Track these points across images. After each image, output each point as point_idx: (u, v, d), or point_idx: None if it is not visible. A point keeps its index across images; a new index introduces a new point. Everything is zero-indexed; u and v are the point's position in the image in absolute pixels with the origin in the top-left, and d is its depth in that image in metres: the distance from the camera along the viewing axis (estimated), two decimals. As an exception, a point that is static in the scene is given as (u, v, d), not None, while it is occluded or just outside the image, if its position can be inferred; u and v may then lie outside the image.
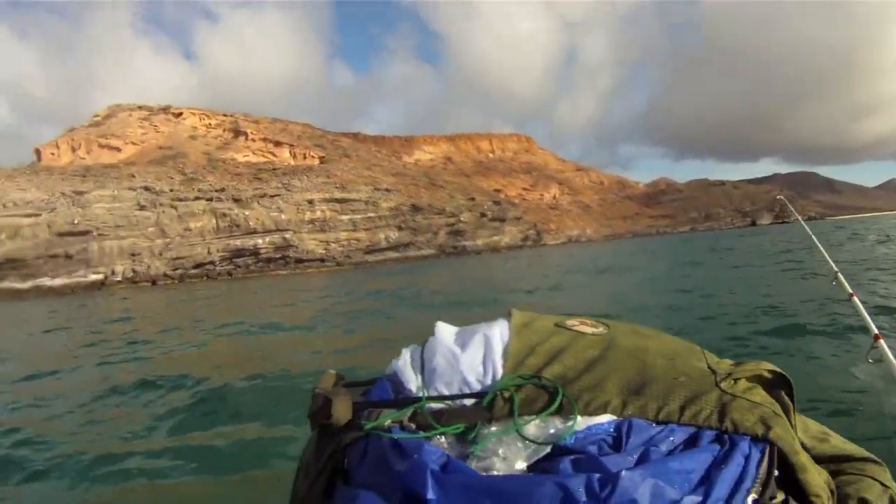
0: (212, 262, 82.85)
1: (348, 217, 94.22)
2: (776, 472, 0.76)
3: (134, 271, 78.35)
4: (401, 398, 0.93)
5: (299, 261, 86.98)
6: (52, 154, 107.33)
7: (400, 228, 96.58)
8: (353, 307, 24.00)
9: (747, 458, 0.75)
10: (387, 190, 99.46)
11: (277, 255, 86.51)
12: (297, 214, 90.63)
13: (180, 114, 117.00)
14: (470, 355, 0.95)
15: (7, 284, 70.92)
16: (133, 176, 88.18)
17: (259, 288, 51.33)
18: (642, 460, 0.76)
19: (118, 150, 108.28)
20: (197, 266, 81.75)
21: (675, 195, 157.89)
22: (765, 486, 0.74)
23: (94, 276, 75.92)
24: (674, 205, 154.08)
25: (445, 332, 1.01)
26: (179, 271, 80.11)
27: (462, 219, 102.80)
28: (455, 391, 0.92)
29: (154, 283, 75.77)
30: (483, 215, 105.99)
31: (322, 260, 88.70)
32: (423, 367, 0.97)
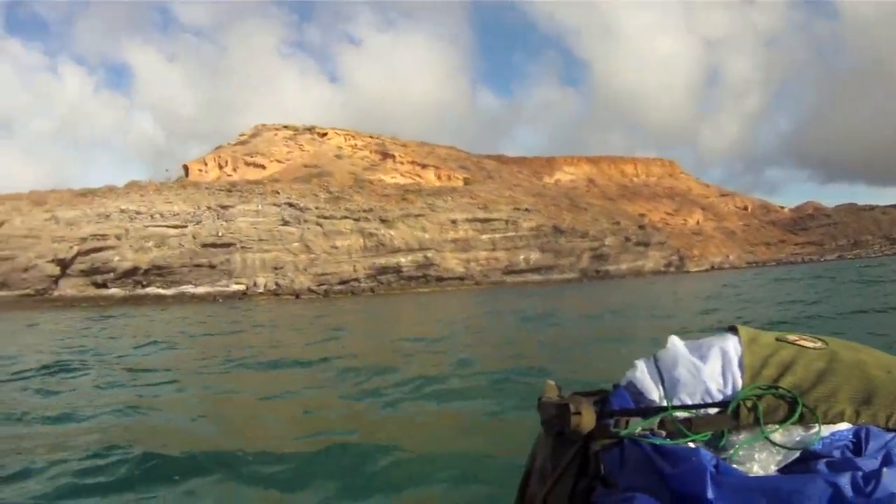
0: (356, 279, 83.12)
1: (488, 237, 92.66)
2: None
3: (277, 284, 79.48)
4: (643, 407, 0.99)
5: (439, 279, 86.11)
6: (200, 170, 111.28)
7: (542, 250, 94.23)
8: (498, 325, 24.05)
9: None
10: (526, 210, 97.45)
11: (419, 274, 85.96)
12: (440, 234, 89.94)
13: (325, 133, 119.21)
14: (710, 367, 1.01)
15: (152, 290, 73.83)
16: (277, 192, 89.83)
17: (405, 304, 52.07)
18: (886, 462, 0.83)
19: (263, 167, 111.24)
20: (342, 283, 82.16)
21: (824, 220, 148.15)
22: None
23: (236, 287, 77.78)
24: (820, 230, 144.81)
25: (679, 345, 1.07)
26: (324, 287, 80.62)
27: (606, 243, 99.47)
28: (697, 401, 0.99)
29: (297, 296, 75.94)
30: (627, 239, 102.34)
31: (461, 278, 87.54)
32: (661, 377, 1.04)
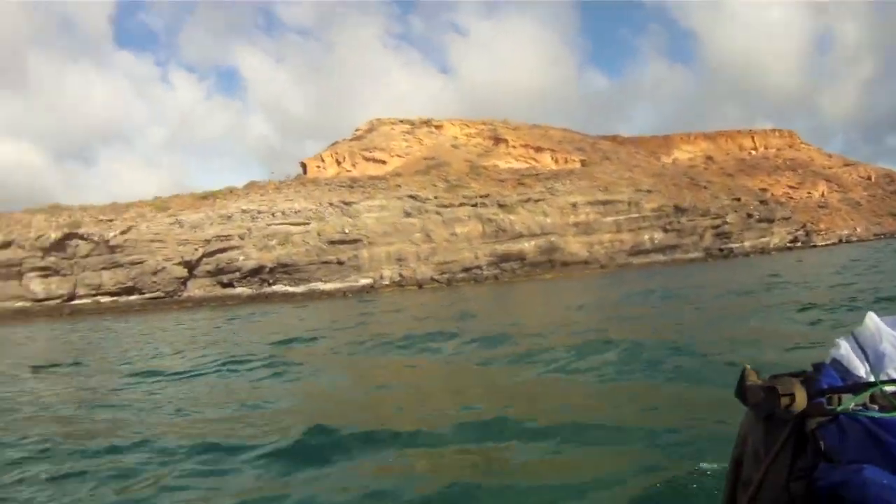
0: (478, 267, 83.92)
1: (612, 219, 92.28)
2: None
3: (401, 276, 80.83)
4: (852, 384, 1.00)
5: (564, 264, 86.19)
6: (318, 167, 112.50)
7: (665, 230, 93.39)
8: (632, 306, 24.16)
9: None
10: (648, 191, 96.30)
11: (543, 259, 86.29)
12: (562, 218, 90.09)
13: (441, 126, 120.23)
14: None
15: (279, 287, 75.72)
16: (399, 186, 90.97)
17: (532, 289, 51.81)
18: None
19: (383, 162, 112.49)
20: (464, 270, 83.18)
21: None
22: None
23: (363, 281, 79.62)
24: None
25: (879, 321, 1.08)
26: (447, 275, 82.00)
27: (727, 220, 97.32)
28: None
29: (420, 286, 77.34)
30: (749, 216, 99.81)
31: (585, 262, 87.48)
32: (865, 354, 1.04)
